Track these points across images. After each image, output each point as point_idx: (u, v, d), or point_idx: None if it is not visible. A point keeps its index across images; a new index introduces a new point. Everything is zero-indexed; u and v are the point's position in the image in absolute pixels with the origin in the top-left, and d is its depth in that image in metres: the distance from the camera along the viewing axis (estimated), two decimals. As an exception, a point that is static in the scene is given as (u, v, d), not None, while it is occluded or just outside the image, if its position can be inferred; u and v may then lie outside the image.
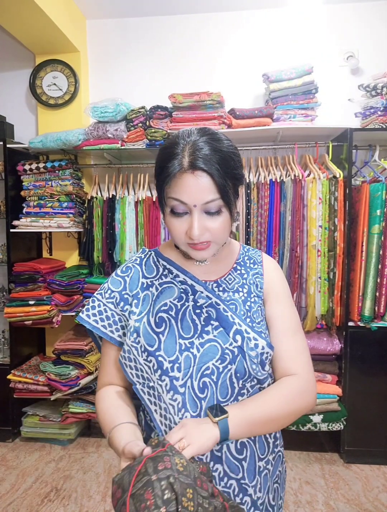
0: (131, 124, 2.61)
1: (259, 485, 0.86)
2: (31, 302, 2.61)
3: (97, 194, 2.78)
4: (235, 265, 0.96)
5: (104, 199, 2.73)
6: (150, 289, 0.90)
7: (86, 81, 3.04)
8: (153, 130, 2.57)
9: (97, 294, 0.94)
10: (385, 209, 2.36)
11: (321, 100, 2.59)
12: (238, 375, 0.83)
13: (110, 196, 2.72)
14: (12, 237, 2.74)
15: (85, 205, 2.77)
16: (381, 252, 2.37)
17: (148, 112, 2.62)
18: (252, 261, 0.98)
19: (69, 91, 2.90)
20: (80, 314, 0.94)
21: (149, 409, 0.86)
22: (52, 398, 2.64)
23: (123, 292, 0.91)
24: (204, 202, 0.77)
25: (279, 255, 2.53)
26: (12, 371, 2.71)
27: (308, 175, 2.53)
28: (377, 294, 2.39)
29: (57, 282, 2.63)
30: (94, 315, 0.92)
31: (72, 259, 3.02)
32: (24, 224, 2.71)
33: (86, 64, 3.05)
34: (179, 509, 0.60)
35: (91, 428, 2.93)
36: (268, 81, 2.58)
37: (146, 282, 0.92)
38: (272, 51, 2.88)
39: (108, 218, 2.71)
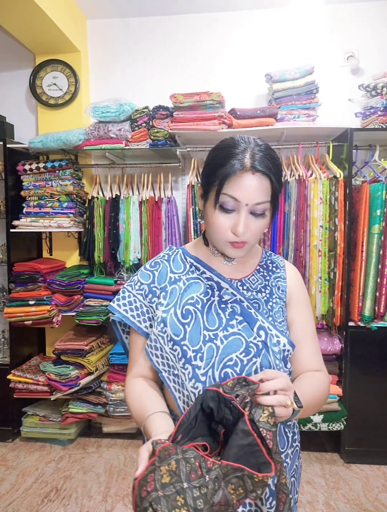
0: (135, 124, 2.61)
1: None
2: (31, 302, 2.60)
3: (98, 194, 2.77)
4: (258, 267, 1.01)
5: (107, 199, 2.73)
6: (178, 283, 0.95)
7: (87, 81, 3.04)
8: (156, 130, 2.57)
9: (127, 285, 0.99)
10: (385, 209, 2.36)
11: (322, 100, 2.59)
12: (263, 368, 0.86)
13: (114, 196, 2.72)
14: (12, 237, 2.74)
15: (86, 205, 2.77)
16: (381, 252, 2.37)
17: (151, 112, 2.62)
18: (274, 265, 1.03)
19: (70, 91, 2.90)
20: (111, 303, 0.98)
21: (174, 396, 0.89)
22: (52, 398, 2.64)
23: (151, 285, 0.96)
24: (256, 202, 0.83)
25: (283, 255, 2.53)
26: (12, 371, 2.71)
27: (310, 175, 2.53)
28: (377, 294, 2.39)
29: (58, 282, 2.63)
30: (124, 305, 0.96)
31: (73, 259, 3.02)
32: (24, 224, 2.71)
33: (87, 64, 3.04)
34: None
35: (91, 428, 2.93)
36: (271, 81, 2.58)
37: (174, 276, 0.96)
38: (273, 51, 2.88)
39: (111, 218, 2.70)
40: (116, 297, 0.99)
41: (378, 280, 2.39)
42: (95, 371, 2.65)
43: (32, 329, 2.87)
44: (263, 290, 0.97)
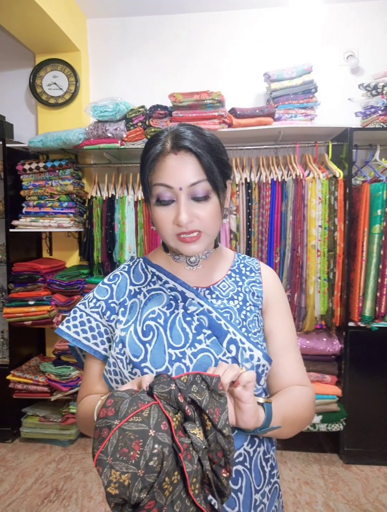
0: (131, 123, 2.60)
1: None
2: (30, 302, 2.60)
3: (96, 193, 2.77)
4: (229, 272, 0.91)
5: (104, 198, 2.72)
6: (138, 296, 0.85)
7: (87, 80, 3.04)
8: (153, 130, 2.56)
9: (80, 304, 0.88)
10: (386, 209, 2.35)
11: (321, 99, 2.58)
12: None
13: (110, 196, 2.72)
14: (11, 237, 2.73)
15: (86, 204, 2.76)
16: (382, 252, 2.37)
17: (148, 112, 2.61)
18: (248, 268, 0.93)
19: (70, 90, 2.90)
20: (60, 326, 0.86)
21: None
22: (53, 398, 2.64)
23: (109, 301, 0.86)
24: (190, 183, 0.74)
25: (280, 255, 2.52)
26: (12, 372, 2.71)
27: (308, 174, 2.53)
28: (378, 294, 2.38)
29: (57, 282, 2.62)
30: (75, 326, 0.85)
31: (73, 259, 3.01)
32: (24, 224, 2.70)
33: (87, 63, 3.04)
34: (154, 485, 0.55)
35: (91, 428, 2.93)
36: (269, 80, 2.58)
37: (134, 289, 0.87)
38: (272, 50, 2.87)
39: (107, 218, 2.70)
40: (66, 318, 0.87)
41: (379, 280, 2.38)
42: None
43: (32, 329, 2.86)
44: (235, 297, 0.87)
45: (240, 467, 0.78)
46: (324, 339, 2.51)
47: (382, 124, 2.42)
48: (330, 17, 2.83)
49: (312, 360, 2.50)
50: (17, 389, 2.71)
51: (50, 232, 3.01)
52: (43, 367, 2.66)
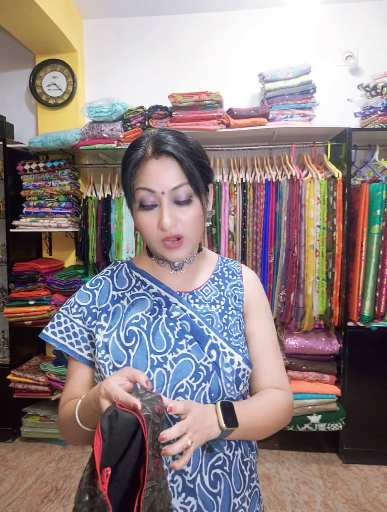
0: (128, 123, 2.60)
1: None
2: (31, 302, 2.61)
3: (92, 194, 2.78)
4: (212, 276, 0.92)
5: (99, 199, 2.72)
6: (121, 301, 0.85)
7: (83, 81, 3.04)
8: (152, 130, 2.56)
9: (62, 309, 0.88)
10: (385, 209, 2.35)
11: (320, 99, 2.58)
12: (212, 395, 0.78)
13: (106, 196, 2.72)
14: (12, 237, 2.74)
15: (81, 205, 2.77)
16: (381, 252, 2.37)
17: (147, 112, 2.61)
18: (230, 272, 0.94)
19: (68, 91, 2.90)
20: (44, 331, 0.87)
21: None
22: (53, 398, 2.65)
23: (91, 306, 0.85)
24: (172, 187, 0.75)
25: (275, 255, 2.53)
26: (12, 371, 2.72)
27: (306, 175, 2.53)
28: (377, 294, 2.38)
29: (57, 282, 2.63)
30: (60, 332, 0.85)
31: (70, 259, 3.03)
32: (24, 224, 2.71)
33: (83, 64, 3.04)
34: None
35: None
36: (263, 81, 2.58)
37: (117, 294, 0.86)
38: (271, 50, 2.87)
39: (103, 218, 2.70)
40: (50, 323, 0.87)
41: (378, 280, 2.38)
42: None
43: (32, 329, 2.86)
44: (217, 301, 0.87)
45: (218, 471, 0.78)
46: (323, 339, 2.51)
47: (381, 124, 2.42)
48: (329, 18, 2.82)
49: (311, 360, 2.51)
50: (17, 388, 2.72)
51: (50, 232, 3.02)
52: (44, 366, 2.67)
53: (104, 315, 0.84)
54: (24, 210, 2.73)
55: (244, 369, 0.82)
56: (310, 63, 2.54)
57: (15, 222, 2.71)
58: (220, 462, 0.79)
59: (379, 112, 2.43)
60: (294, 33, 2.86)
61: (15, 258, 2.76)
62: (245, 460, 0.84)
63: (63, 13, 2.67)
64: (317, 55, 2.82)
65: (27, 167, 2.70)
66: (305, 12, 2.84)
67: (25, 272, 2.68)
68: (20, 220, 2.72)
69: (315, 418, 2.41)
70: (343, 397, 2.46)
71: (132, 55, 3.01)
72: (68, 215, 2.68)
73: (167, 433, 0.63)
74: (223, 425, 0.72)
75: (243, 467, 0.83)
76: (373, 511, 2.08)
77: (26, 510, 2.10)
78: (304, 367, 2.48)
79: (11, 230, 2.72)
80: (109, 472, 0.58)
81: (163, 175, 0.75)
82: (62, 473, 2.43)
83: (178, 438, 0.66)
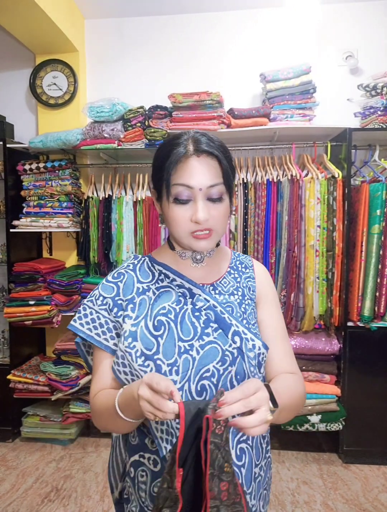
0: (129, 123, 2.60)
1: (254, 492, 0.86)
2: (31, 302, 2.61)
3: (93, 194, 2.78)
4: (228, 269, 0.98)
5: (100, 199, 2.73)
6: (147, 293, 0.89)
7: (85, 80, 3.04)
8: (152, 130, 2.57)
9: (87, 301, 0.91)
10: (385, 209, 2.35)
11: (320, 100, 2.58)
12: (238, 377, 0.83)
13: (106, 196, 2.72)
14: (12, 237, 2.74)
15: (82, 205, 2.77)
16: (381, 252, 2.37)
17: (147, 112, 2.61)
18: (243, 265, 1.01)
19: (69, 90, 2.91)
20: (73, 322, 0.90)
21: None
22: (53, 398, 2.65)
23: (116, 298, 0.89)
24: (209, 185, 0.80)
25: (276, 255, 2.53)
26: (12, 371, 2.72)
27: (306, 175, 2.53)
28: (377, 294, 2.38)
29: (57, 282, 2.63)
30: (87, 323, 0.89)
31: (72, 259, 3.03)
32: (24, 224, 2.71)
33: (85, 64, 3.04)
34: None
35: (90, 428, 2.93)
36: (264, 81, 2.58)
37: (142, 286, 0.90)
38: (271, 50, 2.87)
39: (104, 218, 2.70)
40: (77, 315, 0.91)
41: (378, 280, 2.38)
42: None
43: (32, 329, 2.87)
44: (235, 292, 0.94)
45: (244, 445, 0.86)
46: (323, 339, 2.52)
47: (381, 124, 2.42)
48: (329, 18, 2.83)
49: (311, 360, 2.51)
50: (17, 388, 2.72)
51: (50, 232, 3.02)
52: (44, 366, 2.67)
53: (131, 305, 0.88)
54: (24, 210, 2.73)
55: (263, 353, 0.88)
56: (310, 63, 2.54)
57: (15, 222, 2.71)
58: (244, 437, 0.86)
59: (379, 112, 2.43)
60: (294, 33, 2.86)
61: (15, 258, 2.76)
62: (263, 434, 0.87)
63: (64, 13, 2.68)
64: (317, 55, 2.83)
65: (27, 167, 2.71)
66: (305, 12, 2.84)
67: (25, 272, 2.68)
68: (20, 220, 2.72)
69: (315, 418, 2.41)
70: (343, 397, 2.46)
71: (133, 55, 3.01)
72: (70, 215, 2.68)
73: (229, 396, 0.64)
74: (271, 405, 0.72)
75: (261, 440, 0.91)
76: (373, 511, 2.08)
77: (26, 510, 2.10)
78: (304, 367, 2.48)
79: (11, 230, 2.72)
80: (181, 473, 0.63)
81: (202, 173, 0.80)
82: (63, 473, 2.43)
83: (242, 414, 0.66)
